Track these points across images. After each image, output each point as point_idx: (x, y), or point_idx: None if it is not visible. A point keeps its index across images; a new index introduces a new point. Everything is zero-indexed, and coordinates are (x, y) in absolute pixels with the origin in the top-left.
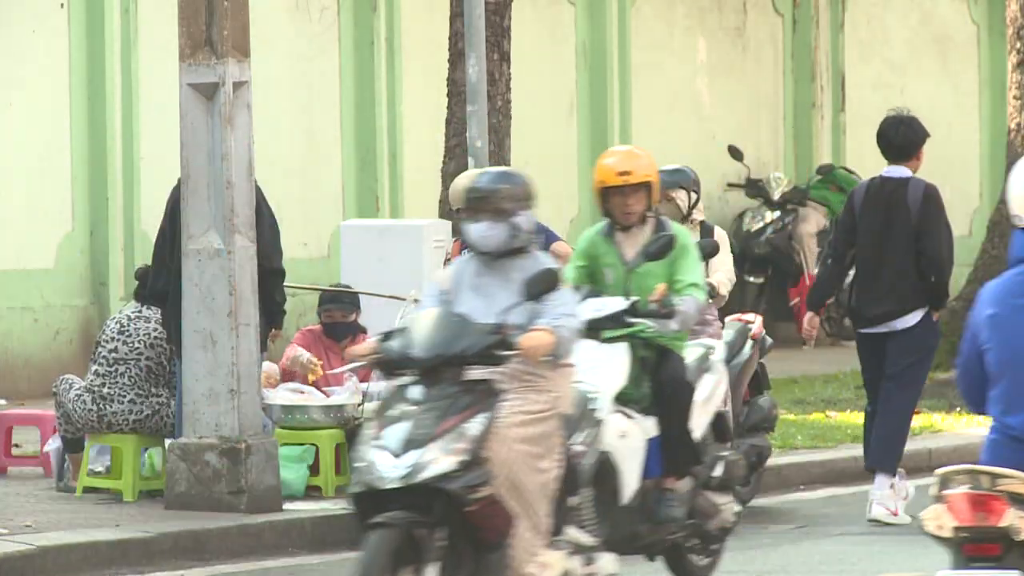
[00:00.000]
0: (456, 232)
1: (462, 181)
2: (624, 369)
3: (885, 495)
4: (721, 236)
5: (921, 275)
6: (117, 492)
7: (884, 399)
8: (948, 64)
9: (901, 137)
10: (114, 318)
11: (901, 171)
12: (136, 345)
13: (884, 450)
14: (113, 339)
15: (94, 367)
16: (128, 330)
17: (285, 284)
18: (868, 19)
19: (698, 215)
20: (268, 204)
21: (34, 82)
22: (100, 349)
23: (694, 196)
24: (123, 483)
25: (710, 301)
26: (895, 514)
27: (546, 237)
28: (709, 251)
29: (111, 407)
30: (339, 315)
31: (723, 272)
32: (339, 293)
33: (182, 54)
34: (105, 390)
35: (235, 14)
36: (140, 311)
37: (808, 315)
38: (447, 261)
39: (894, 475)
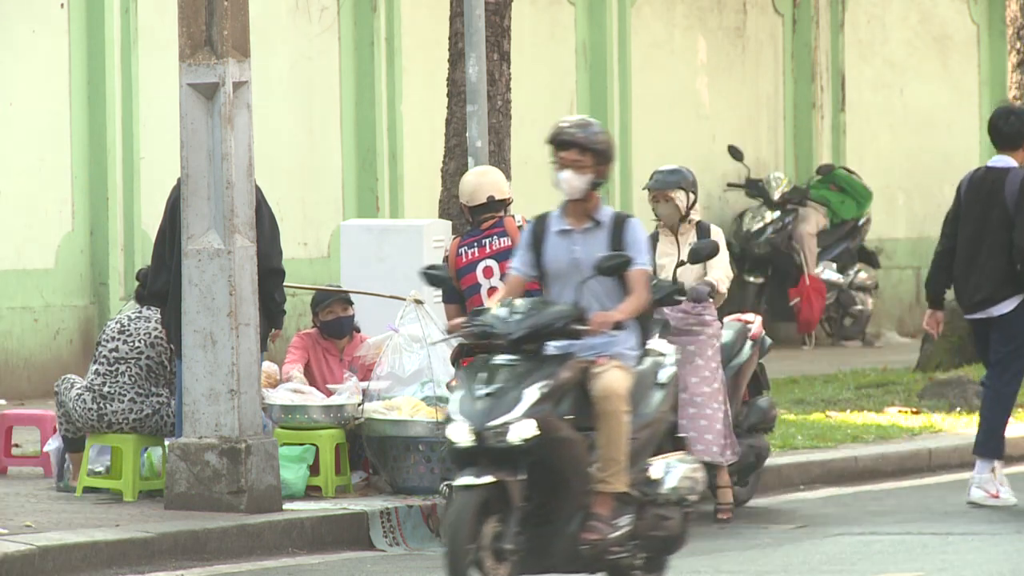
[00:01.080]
0: (455, 231)
1: (470, 178)
2: None
3: (985, 478)
4: (717, 234)
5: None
6: (117, 492)
7: (987, 386)
8: (948, 64)
9: (1010, 126)
10: (115, 318)
11: (1006, 160)
12: (137, 344)
13: (985, 434)
14: (114, 338)
15: (94, 366)
16: (129, 330)
17: (285, 284)
18: (868, 19)
19: (695, 215)
20: (268, 204)
21: (34, 82)
22: (101, 349)
23: (692, 197)
24: (123, 483)
25: (710, 300)
26: (995, 496)
27: None
28: (708, 252)
29: (111, 406)
30: (340, 309)
31: (720, 270)
32: (334, 291)
33: (182, 54)
34: (105, 389)
35: (235, 14)
36: (141, 311)
37: (928, 312)
38: (445, 259)
39: (995, 459)
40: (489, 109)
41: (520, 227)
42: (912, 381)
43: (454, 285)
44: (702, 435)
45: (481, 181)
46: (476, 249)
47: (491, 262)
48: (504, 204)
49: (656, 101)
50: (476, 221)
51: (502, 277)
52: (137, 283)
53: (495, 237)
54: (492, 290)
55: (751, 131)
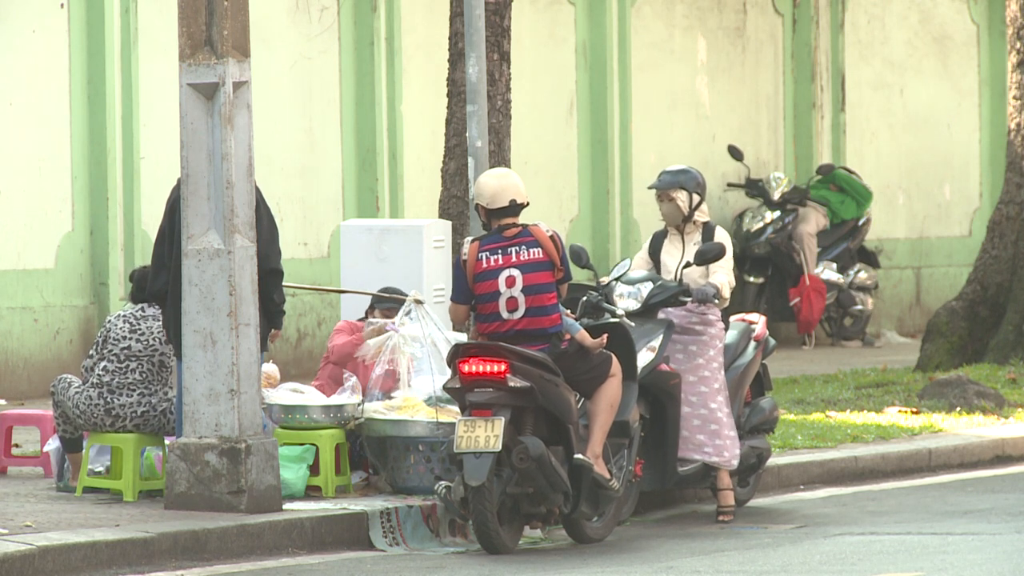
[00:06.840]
0: (456, 231)
1: (491, 181)
2: None
3: None
4: (723, 236)
5: None
6: (117, 492)
7: None
8: (948, 64)
9: None
10: (120, 315)
11: None
12: (151, 342)
13: None
14: (125, 337)
15: (103, 363)
16: (140, 328)
17: (284, 284)
18: (868, 19)
19: (701, 216)
20: (267, 204)
21: (34, 82)
22: (110, 347)
23: (696, 198)
24: (123, 483)
25: (715, 303)
26: None
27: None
28: (714, 254)
29: (119, 399)
30: (391, 315)
31: (723, 274)
32: (391, 296)
33: (182, 54)
34: (114, 383)
35: (235, 14)
36: (144, 309)
37: None
38: (464, 262)
39: None
40: (489, 109)
41: (551, 237)
42: (912, 381)
43: (469, 286)
44: (694, 434)
45: (503, 184)
46: (500, 256)
47: (515, 272)
48: (522, 208)
49: (656, 101)
50: (499, 227)
51: (524, 289)
52: (131, 283)
53: (523, 247)
54: (511, 300)
55: (751, 131)
